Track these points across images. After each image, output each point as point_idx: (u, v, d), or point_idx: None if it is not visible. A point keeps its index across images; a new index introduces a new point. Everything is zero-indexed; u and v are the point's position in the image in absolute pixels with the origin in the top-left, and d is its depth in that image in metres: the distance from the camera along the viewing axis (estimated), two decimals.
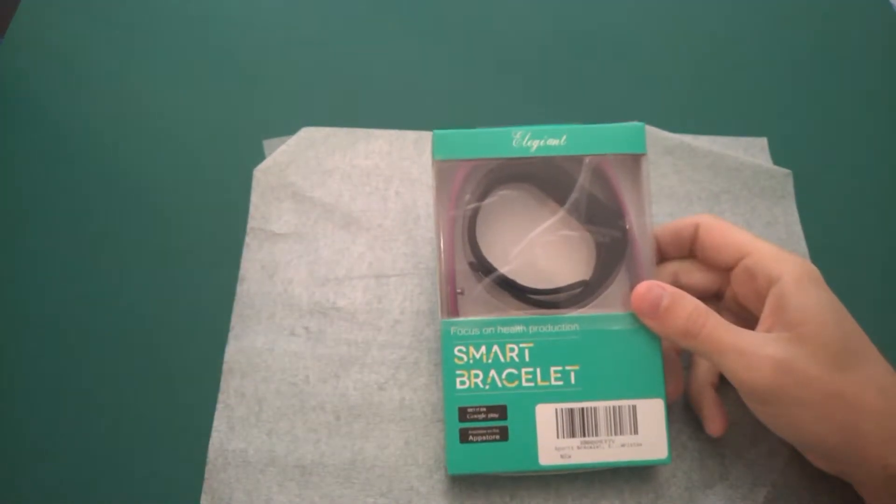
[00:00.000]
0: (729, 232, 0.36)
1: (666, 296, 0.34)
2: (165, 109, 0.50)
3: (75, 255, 0.45)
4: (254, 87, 0.51)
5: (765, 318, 0.34)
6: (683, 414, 0.39)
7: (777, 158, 0.48)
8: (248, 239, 0.44)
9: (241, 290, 0.43)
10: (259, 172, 0.46)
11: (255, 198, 0.46)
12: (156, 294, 0.44)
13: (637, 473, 0.38)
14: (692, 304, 0.34)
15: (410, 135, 0.48)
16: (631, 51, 0.54)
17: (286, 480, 0.38)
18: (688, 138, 0.48)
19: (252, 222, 0.45)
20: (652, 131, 0.48)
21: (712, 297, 0.39)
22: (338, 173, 0.47)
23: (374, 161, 0.47)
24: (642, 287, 0.35)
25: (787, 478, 0.38)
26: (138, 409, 0.40)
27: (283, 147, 0.47)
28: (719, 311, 0.38)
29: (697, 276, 0.38)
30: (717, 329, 0.33)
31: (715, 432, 0.37)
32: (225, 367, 0.40)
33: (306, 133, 0.48)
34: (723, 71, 0.53)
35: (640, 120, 0.49)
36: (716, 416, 0.37)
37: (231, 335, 0.41)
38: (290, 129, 0.48)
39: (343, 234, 0.45)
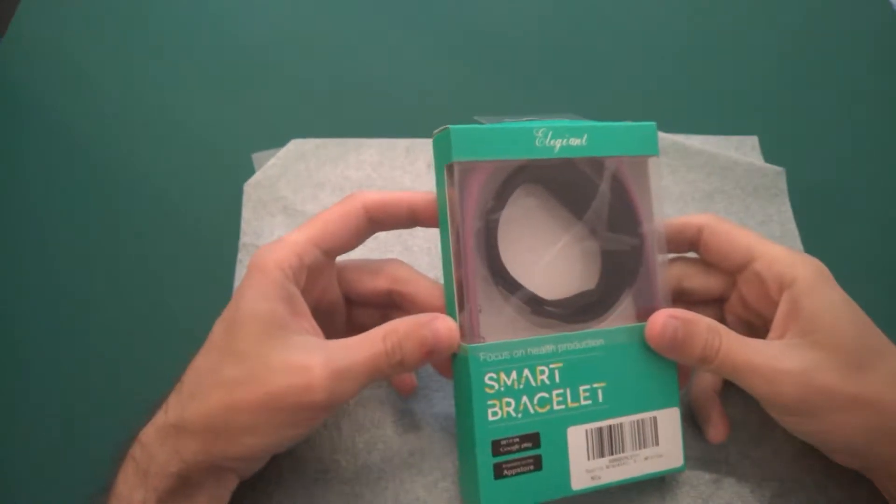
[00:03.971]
0: (735, 235, 0.35)
1: (680, 327, 0.33)
2: (158, 122, 0.50)
3: (65, 268, 0.44)
4: (240, 99, 0.51)
5: (777, 323, 0.33)
6: (688, 414, 0.39)
7: (768, 156, 0.49)
8: (240, 255, 0.44)
9: None
10: (249, 187, 0.46)
11: (246, 213, 0.45)
12: (149, 313, 0.43)
13: None
14: (705, 328, 0.33)
15: (401, 143, 0.48)
16: (622, 52, 0.53)
17: (290, 495, 0.37)
18: (680, 138, 0.48)
19: (244, 238, 0.44)
20: None
21: (717, 299, 0.38)
22: (329, 186, 0.46)
23: (366, 172, 0.47)
24: (657, 324, 0.33)
25: (794, 472, 0.38)
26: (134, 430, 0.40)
27: (272, 160, 0.47)
28: (724, 314, 0.38)
29: (702, 279, 0.37)
30: (732, 349, 0.32)
31: (717, 439, 0.37)
32: None
33: (295, 145, 0.47)
34: (714, 70, 0.53)
35: (632, 120, 0.49)
36: (718, 423, 0.37)
37: None
38: (278, 142, 0.47)
39: None
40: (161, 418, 0.31)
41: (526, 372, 0.33)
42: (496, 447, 0.32)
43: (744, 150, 0.48)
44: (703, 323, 0.33)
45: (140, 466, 0.30)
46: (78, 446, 0.39)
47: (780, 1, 0.56)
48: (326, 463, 0.38)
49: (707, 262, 0.37)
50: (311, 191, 0.46)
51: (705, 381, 0.38)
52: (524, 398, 0.33)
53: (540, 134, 0.33)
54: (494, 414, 0.32)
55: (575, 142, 0.34)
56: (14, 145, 0.49)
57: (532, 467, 0.33)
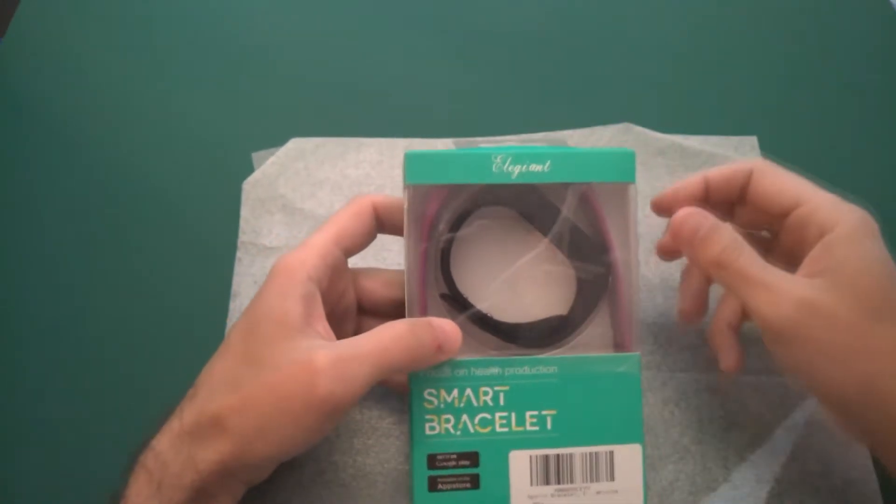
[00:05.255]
0: (785, 179, 0.34)
1: (705, 225, 0.32)
2: (157, 122, 0.49)
3: (65, 267, 0.44)
4: (240, 98, 0.50)
5: (805, 264, 0.32)
6: (685, 417, 0.39)
7: (767, 156, 0.48)
8: (239, 254, 0.43)
9: (235, 305, 0.42)
10: (248, 185, 0.45)
11: (244, 211, 0.45)
12: (147, 311, 0.43)
13: None
14: (729, 236, 0.32)
15: (401, 143, 0.47)
16: (620, 52, 0.53)
17: (286, 496, 0.37)
18: (679, 138, 0.47)
19: (243, 236, 0.44)
20: (643, 132, 0.47)
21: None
22: (328, 184, 0.46)
23: (365, 170, 0.46)
24: (683, 212, 0.33)
25: (790, 473, 0.37)
26: (133, 431, 0.40)
27: (271, 159, 0.46)
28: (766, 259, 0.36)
29: (751, 214, 0.36)
30: (749, 263, 0.31)
31: (728, 368, 0.36)
32: None
33: (295, 144, 0.47)
34: (713, 70, 0.52)
35: (630, 121, 0.48)
36: (731, 353, 0.36)
37: None
38: (278, 141, 0.47)
39: None
40: (176, 425, 0.30)
41: (468, 391, 0.33)
42: (432, 461, 0.33)
43: (743, 150, 0.48)
44: (727, 231, 0.32)
45: (153, 477, 0.30)
46: (76, 446, 0.39)
47: (779, 1, 0.55)
48: (323, 464, 0.38)
49: (754, 207, 0.36)
50: (309, 189, 0.46)
51: (725, 314, 0.37)
52: (464, 417, 0.33)
53: (498, 160, 0.33)
54: (432, 429, 0.33)
55: (535, 168, 0.33)
56: (14, 145, 0.48)
57: (468, 485, 0.32)
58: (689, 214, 0.33)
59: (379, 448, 0.38)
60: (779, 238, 0.36)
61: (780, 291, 0.30)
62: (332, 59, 0.52)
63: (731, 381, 0.40)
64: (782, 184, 0.34)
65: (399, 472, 0.38)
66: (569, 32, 0.54)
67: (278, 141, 0.47)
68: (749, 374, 0.40)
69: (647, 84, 0.52)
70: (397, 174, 0.46)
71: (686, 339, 0.41)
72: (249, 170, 0.46)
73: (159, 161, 0.48)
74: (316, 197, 0.45)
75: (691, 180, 0.36)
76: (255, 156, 0.47)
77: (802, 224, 0.33)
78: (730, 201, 0.37)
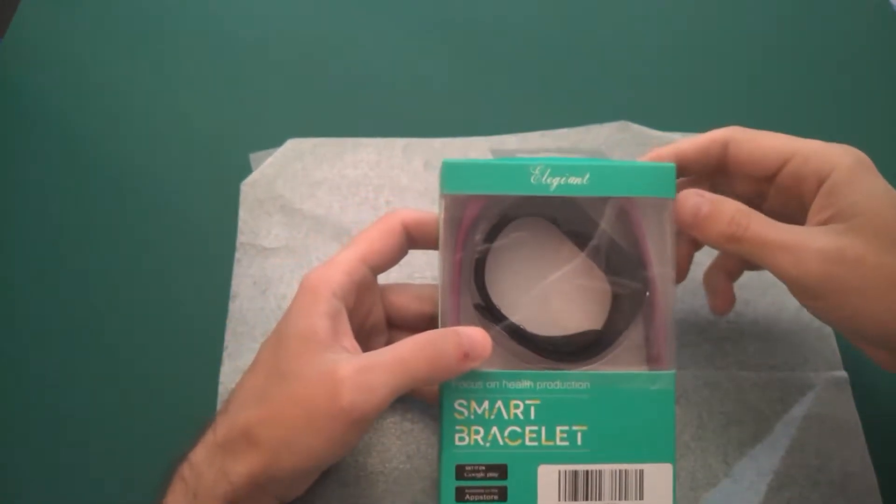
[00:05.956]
0: (765, 139, 0.33)
1: (705, 203, 0.32)
2: (156, 122, 0.49)
3: (63, 268, 0.44)
4: (239, 99, 0.50)
5: (813, 212, 0.31)
6: (685, 413, 0.39)
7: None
8: (238, 255, 0.43)
9: (234, 306, 0.42)
10: (246, 186, 0.45)
11: (243, 212, 0.44)
12: (146, 314, 0.42)
13: None
14: (733, 207, 0.31)
15: (399, 142, 0.47)
16: (619, 49, 0.53)
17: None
18: (677, 136, 0.47)
19: (241, 237, 0.44)
20: (641, 130, 0.47)
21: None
22: (326, 184, 0.45)
23: (363, 171, 0.46)
24: (681, 196, 0.32)
25: (790, 467, 0.37)
26: (133, 433, 0.39)
27: (269, 160, 0.46)
28: None
29: (735, 183, 0.35)
30: (762, 228, 0.30)
31: (715, 310, 0.37)
32: (221, 387, 0.39)
33: (292, 144, 0.47)
34: (713, 69, 0.52)
35: (628, 119, 0.48)
36: (720, 298, 0.37)
37: (225, 354, 0.40)
38: (276, 142, 0.47)
39: (334, 246, 0.43)
40: (210, 438, 0.31)
41: (499, 404, 0.32)
42: (460, 471, 0.32)
43: None
44: (730, 202, 0.31)
45: (189, 487, 0.30)
46: (75, 446, 0.39)
47: (780, 1, 0.55)
48: None
49: (737, 173, 0.35)
50: (307, 189, 0.45)
51: (723, 264, 0.37)
52: (494, 429, 0.32)
53: (537, 171, 0.33)
54: (461, 439, 0.32)
55: (574, 180, 0.33)
56: (14, 145, 0.48)
57: (496, 497, 0.32)
58: (685, 197, 0.32)
59: (380, 448, 0.38)
60: (768, 201, 0.35)
61: (801, 248, 0.29)
62: (329, 59, 0.52)
63: (731, 377, 0.40)
64: (764, 144, 0.33)
65: (400, 472, 0.37)
66: (568, 31, 0.54)
67: (276, 141, 0.47)
68: (748, 369, 0.40)
69: (645, 82, 0.51)
70: (396, 174, 0.46)
71: (685, 336, 0.41)
72: (247, 171, 0.46)
73: (158, 161, 0.48)
74: (314, 197, 0.45)
75: (661, 153, 0.35)
76: (253, 156, 0.47)
77: (797, 178, 0.32)
78: (706, 173, 0.36)
